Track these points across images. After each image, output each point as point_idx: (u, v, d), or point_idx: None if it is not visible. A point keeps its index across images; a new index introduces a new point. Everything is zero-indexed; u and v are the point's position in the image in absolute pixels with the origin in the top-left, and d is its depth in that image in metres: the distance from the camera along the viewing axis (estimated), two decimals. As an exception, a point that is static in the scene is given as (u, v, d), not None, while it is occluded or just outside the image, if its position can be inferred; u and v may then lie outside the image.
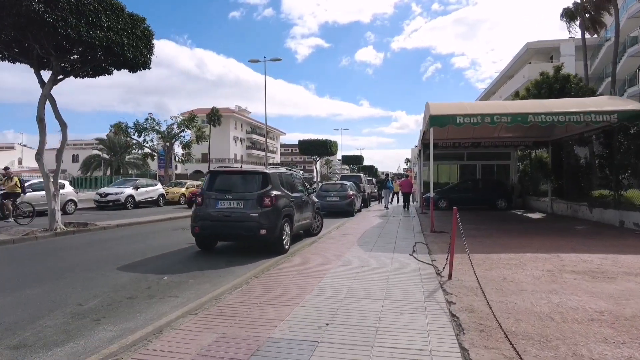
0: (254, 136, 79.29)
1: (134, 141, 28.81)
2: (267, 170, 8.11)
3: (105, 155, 46.27)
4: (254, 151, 78.69)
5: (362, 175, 23.83)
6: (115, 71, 12.71)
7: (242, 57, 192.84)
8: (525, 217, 15.23)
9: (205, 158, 67.34)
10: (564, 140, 15.07)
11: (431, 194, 11.45)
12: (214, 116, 59.76)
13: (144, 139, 28.38)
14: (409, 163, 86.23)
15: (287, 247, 8.17)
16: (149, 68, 12.36)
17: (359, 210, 19.35)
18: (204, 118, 66.12)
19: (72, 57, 11.39)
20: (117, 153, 44.84)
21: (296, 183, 9.55)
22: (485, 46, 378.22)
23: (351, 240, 9.41)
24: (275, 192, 7.88)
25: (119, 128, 27.34)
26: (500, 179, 21.16)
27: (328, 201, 16.99)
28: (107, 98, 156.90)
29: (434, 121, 10.68)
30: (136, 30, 11.39)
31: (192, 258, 7.81)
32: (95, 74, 12.63)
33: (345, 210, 16.81)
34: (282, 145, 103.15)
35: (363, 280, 5.49)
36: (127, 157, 47.07)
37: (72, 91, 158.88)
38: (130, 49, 11.25)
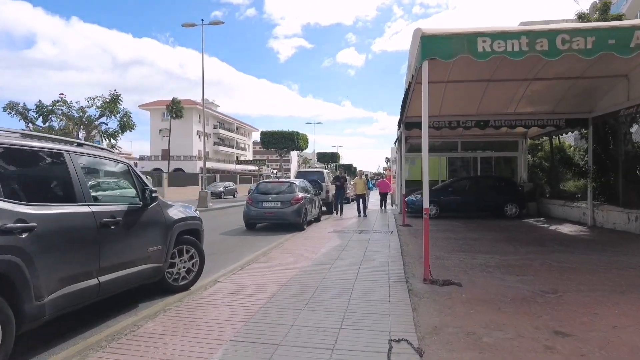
0: (222, 131, 72.78)
1: (41, 127, 22.33)
2: None
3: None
4: (221, 148, 72.16)
5: (325, 172, 18.16)
6: None
7: (225, 57, 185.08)
8: (561, 234, 9.86)
9: (166, 155, 60.92)
10: (618, 115, 9.80)
11: (424, 198, 5.70)
12: (175, 108, 53.32)
13: (49, 125, 21.94)
14: (389, 162, 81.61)
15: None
16: None
17: (317, 219, 13.72)
18: (163, 110, 59.45)
19: None
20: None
21: (72, 176, 3.72)
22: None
23: (225, 329, 3.70)
24: None
25: (13, 109, 20.84)
26: (505, 176, 15.92)
27: (264, 208, 11.27)
28: (86, 96, 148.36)
29: (432, 47, 5.06)
30: None
31: None
32: None
33: (289, 222, 11.14)
34: (256, 143, 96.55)
35: None
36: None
37: (50, 89, 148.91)
38: None
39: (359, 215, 14.67)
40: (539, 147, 16.35)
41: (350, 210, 18.61)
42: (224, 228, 12.10)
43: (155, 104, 65.08)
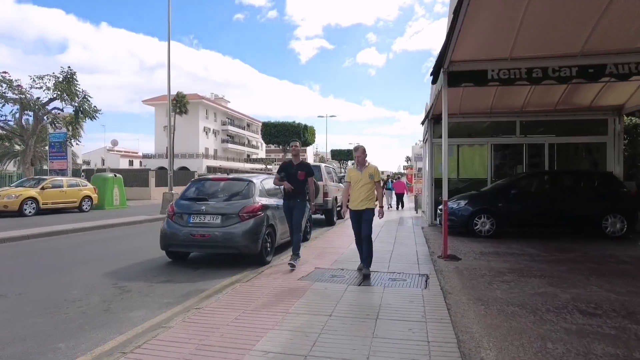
0: (231, 128, 68.46)
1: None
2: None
3: (16, 145, 35.39)
4: (230, 145, 67.83)
5: (324, 166, 13.03)
6: None
7: (248, 59, 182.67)
8: None
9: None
10: None
11: None
12: (179, 103, 49.38)
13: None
14: (409, 161, 77.11)
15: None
16: None
17: (306, 238, 8.50)
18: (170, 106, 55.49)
19: None
20: (26, 140, 33.83)
21: None
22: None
23: None
24: None
25: None
26: (594, 170, 10.56)
27: (192, 226, 6.28)
28: (114, 98, 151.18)
29: None
30: None
31: None
32: None
33: (238, 251, 6.17)
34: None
35: None
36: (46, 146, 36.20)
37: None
38: None
39: (361, 267, 5.55)
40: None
41: (338, 232, 10.80)
42: (135, 257, 7.21)
43: (159, 99, 61.18)
